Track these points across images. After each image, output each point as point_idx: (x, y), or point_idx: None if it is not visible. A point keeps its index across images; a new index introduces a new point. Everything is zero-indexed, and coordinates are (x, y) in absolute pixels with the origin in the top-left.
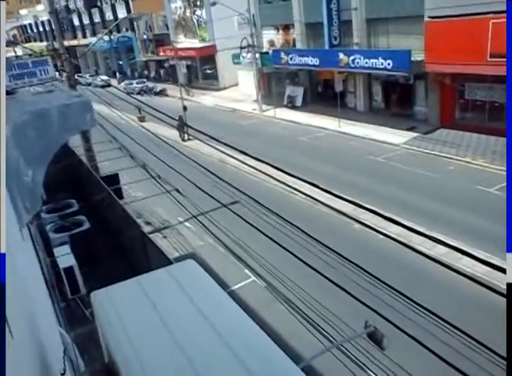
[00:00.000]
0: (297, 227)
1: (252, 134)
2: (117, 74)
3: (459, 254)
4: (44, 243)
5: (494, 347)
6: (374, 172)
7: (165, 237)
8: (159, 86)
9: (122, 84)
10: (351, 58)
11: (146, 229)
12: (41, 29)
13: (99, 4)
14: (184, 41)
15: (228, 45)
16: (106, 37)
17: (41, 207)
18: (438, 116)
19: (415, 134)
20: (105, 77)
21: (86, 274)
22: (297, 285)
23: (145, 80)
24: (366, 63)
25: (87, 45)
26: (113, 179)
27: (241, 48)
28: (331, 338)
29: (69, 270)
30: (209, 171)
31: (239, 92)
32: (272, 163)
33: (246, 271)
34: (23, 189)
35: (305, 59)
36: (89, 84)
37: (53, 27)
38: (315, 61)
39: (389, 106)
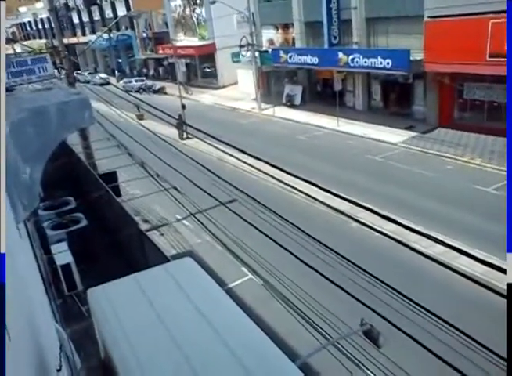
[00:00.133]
0: (295, 225)
1: (251, 132)
2: (116, 72)
3: (457, 253)
4: (41, 240)
5: (492, 346)
6: (372, 171)
7: (162, 235)
8: (158, 84)
9: (121, 82)
10: (351, 57)
11: (144, 226)
12: (40, 26)
13: (98, 2)
14: (183, 40)
15: (228, 44)
16: (106, 36)
17: (38, 204)
18: (436, 115)
19: (413, 133)
20: (104, 75)
21: (83, 271)
22: (294, 283)
23: (144, 78)
24: (365, 62)
25: (86, 43)
26: (111, 177)
27: (240, 46)
28: (327, 336)
29: (66, 267)
30: (207, 169)
31: (238, 90)
32: (270, 161)
33: (244, 269)
34: (21, 187)
35: (304, 58)
36: (88, 82)
37: (52, 24)
38: (315, 60)
39: (388, 106)
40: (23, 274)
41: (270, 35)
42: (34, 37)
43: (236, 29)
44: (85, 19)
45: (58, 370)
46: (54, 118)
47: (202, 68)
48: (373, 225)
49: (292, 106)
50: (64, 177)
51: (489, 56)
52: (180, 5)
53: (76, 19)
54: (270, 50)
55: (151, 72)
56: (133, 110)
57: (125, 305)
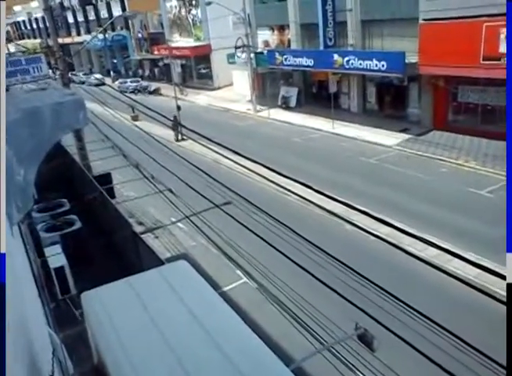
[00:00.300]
0: (289, 227)
1: (246, 134)
2: (111, 72)
3: (450, 256)
4: (34, 242)
5: (485, 349)
6: (367, 173)
7: (157, 237)
8: (153, 85)
9: (116, 82)
10: (346, 59)
11: (138, 229)
12: (34, 26)
13: (93, 1)
14: (179, 40)
15: (223, 45)
16: (101, 36)
17: (32, 206)
18: (430, 118)
19: (408, 136)
20: (99, 76)
21: (77, 274)
22: (288, 286)
23: (139, 79)
24: (361, 64)
25: (81, 43)
26: (106, 179)
27: (236, 47)
28: (322, 340)
29: (59, 270)
30: (202, 171)
31: (233, 91)
32: (265, 163)
33: (238, 272)
34: (15, 188)
35: (300, 59)
36: (83, 83)
37: (47, 24)
38: (310, 62)
39: (383, 108)
40: (17, 277)
41: (266, 37)
42: (29, 37)
43: (231, 30)
44: (80, 19)
45: None
46: (48, 119)
47: (197, 69)
48: (367, 228)
49: (287, 108)
50: (58, 178)
51: (483, 59)
52: (176, 6)
53: (71, 19)
54: (266, 52)
55: (146, 73)
56: (128, 111)
57: (119, 309)
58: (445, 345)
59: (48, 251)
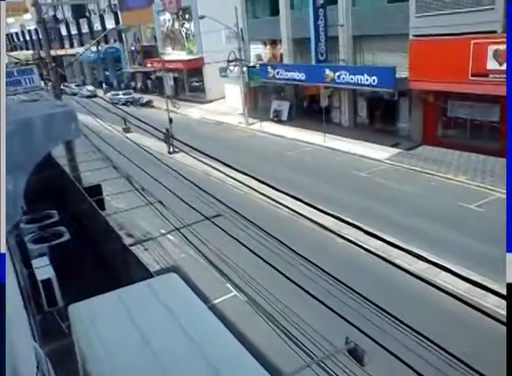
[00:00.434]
0: (279, 241)
1: (238, 147)
2: (104, 84)
3: (439, 270)
4: (22, 254)
5: (474, 364)
6: (358, 187)
7: (146, 250)
8: (145, 97)
9: (108, 94)
10: (337, 74)
11: (128, 241)
12: (27, 38)
13: (87, 14)
14: (172, 54)
15: (216, 59)
16: (94, 48)
17: (20, 217)
18: (420, 132)
19: (398, 150)
20: (91, 88)
21: (64, 286)
22: (278, 299)
23: (131, 91)
24: (352, 79)
25: (74, 55)
26: (96, 190)
27: (228, 61)
28: (311, 354)
29: (46, 282)
30: (193, 183)
31: (225, 105)
32: (256, 176)
33: (228, 285)
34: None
35: (292, 74)
36: (75, 95)
37: (40, 36)
38: (302, 76)
39: (373, 122)
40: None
41: (258, 51)
42: (21, 49)
43: (224, 44)
44: (74, 31)
45: None
46: (39, 130)
47: (190, 82)
48: (357, 242)
49: (279, 121)
50: (48, 189)
51: (471, 75)
52: (169, 20)
53: (64, 32)
54: (258, 65)
55: (139, 85)
56: (120, 123)
57: (107, 322)
58: (434, 359)
59: (35, 262)
